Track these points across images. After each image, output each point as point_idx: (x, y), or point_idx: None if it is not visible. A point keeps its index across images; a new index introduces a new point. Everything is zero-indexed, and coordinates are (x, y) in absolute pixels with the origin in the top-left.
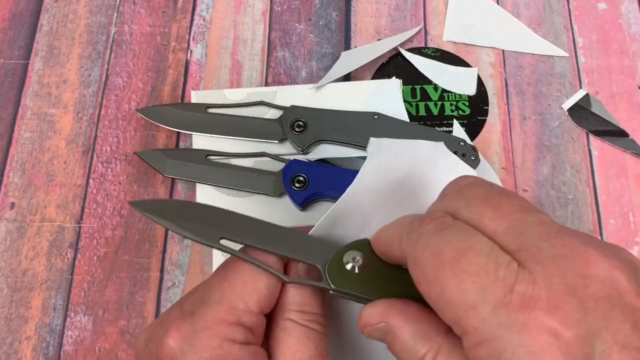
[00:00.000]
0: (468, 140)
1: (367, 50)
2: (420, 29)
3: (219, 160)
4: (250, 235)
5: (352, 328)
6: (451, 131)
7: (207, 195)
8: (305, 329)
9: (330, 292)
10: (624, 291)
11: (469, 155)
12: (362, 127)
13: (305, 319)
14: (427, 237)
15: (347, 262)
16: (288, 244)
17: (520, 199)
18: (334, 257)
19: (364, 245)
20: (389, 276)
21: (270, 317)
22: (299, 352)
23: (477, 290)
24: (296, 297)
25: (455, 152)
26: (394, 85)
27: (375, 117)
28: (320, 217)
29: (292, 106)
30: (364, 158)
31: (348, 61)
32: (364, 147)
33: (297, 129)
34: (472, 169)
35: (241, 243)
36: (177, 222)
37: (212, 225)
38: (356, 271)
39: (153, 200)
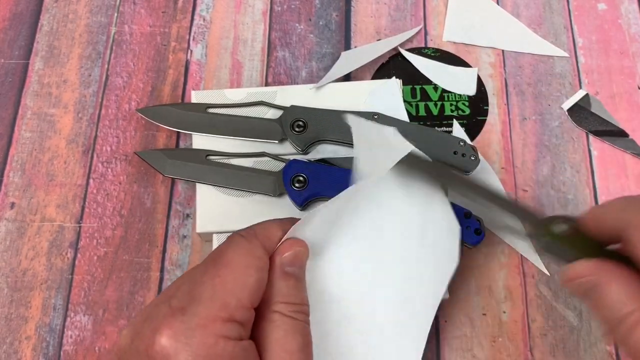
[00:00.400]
0: (468, 140)
1: (367, 50)
2: (420, 29)
3: (219, 160)
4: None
5: (330, 316)
6: (451, 131)
7: (207, 194)
8: (292, 320)
9: (542, 245)
10: None
11: (468, 155)
12: None
13: (291, 310)
14: None
15: (556, 228)
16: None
17: None
18: (544, 219)
19: (568, 220)
20: (591, 249)
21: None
22: (289, 344)
23: None
24: (282, 289)
25: (455, 152)
26: (394, 85)
27: (375, 117)
28: None
29: (292, 106)
30: None
31: (348, 61)
32: None
33: (297, 129)
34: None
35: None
36: None
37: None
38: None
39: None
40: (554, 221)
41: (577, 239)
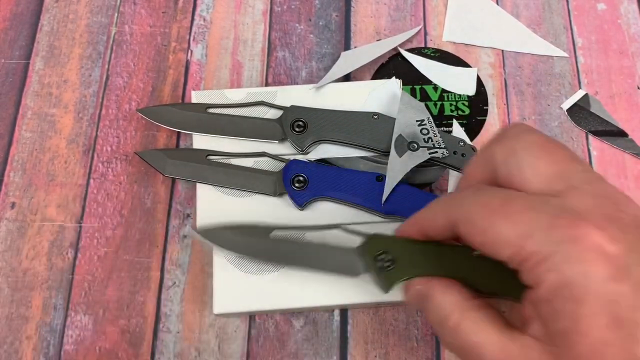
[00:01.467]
0: (467, 140)
1: (366, 50)
2: (420, 29)
3: (219, 160)
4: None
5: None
6: (451, 131)
7: (207, 194)
8: None
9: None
10: None
11: (468, 155)
12: (362, 127)
13: None
14: (471, 198)
15: (379, 263)
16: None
17: (569, 150)
18: (369, 265)
19: (379, 241)
20: (414, 255)
21: None
22: None
23: (528, 221)
24: None
25: (454, 152)
26: (394, 86)
27: (375, 117)
28: (320, 217)
29: (292, 106)
30: (364, 158)
31: (348, 61)
32: (364, 147)
33: (297, 129)
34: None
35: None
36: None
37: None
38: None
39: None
40: (370, 245)
41: (400, 254)
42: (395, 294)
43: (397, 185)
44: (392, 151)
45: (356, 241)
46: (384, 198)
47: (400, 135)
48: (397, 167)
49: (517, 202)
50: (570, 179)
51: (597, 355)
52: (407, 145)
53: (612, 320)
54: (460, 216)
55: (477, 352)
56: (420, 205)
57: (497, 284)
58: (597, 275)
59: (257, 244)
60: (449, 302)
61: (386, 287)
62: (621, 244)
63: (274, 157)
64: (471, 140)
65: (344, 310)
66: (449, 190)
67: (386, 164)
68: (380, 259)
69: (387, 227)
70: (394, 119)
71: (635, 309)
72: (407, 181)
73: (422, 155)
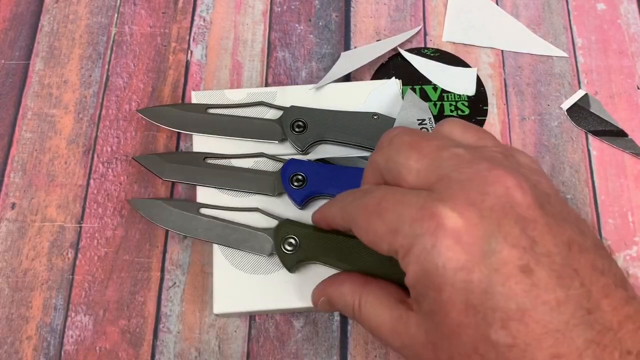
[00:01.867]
0: None
1: (366, 50)
2: (420, 29)
3: (217, 162)
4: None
5: None
6: None
7: (207, 195)
8: None
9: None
10: (517, 204)
11: None
12: (362, 127)
13: None
14: (356, 202)
15: (285, 247)
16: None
17: (439, 138)
18: (276, 247)
19: (287, 227)
20: (316, 241)
21: None
22: None
23: (396, 217)
24: None
25: None
26: (393, 86)
27: (375, 117)
28: None
29: (292, 106)
30: (364, 158)
31: (348, 62)
32: (364, 147)
33: (297, 129)
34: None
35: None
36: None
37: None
38: (294, 249)
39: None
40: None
41: (305, 240)
42: None
43: None
44: None
45: (273, 223)
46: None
47: None
48: None
49: (389, 200)
50: (439, 168)
51: (456, 336)
52: None
53: (467, 306)
54: (349, 218)
55: (379, 332)
56: None
57: (390, 270)
58: (451, 266)
59: (185, 219)
60: (346, 295)
61: (288, 267)
62: (478, 231)
63: (272, 157)
64: None
65: None
66: None
67: None
68: (287, 242)
69: None
70: (394, 119)
71: (487, 293)
72: None
73: None
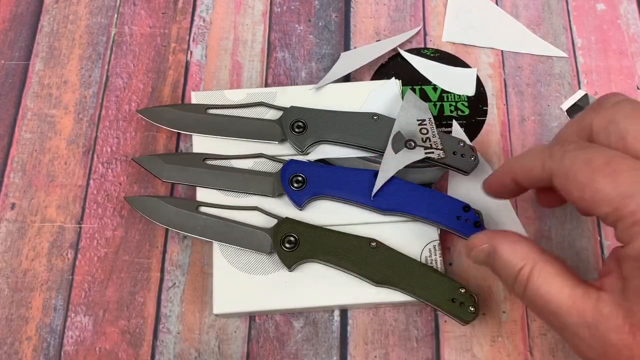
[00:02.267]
0: (467, 141)
1: (366, 51)
2: (420, 29)
3: (217, 163)
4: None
5: None
6: (450, 132)
7: (207, 196)
8: None
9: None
10: None
11: (468, 155)
12: (362, 127)
13: None
14: (573, 153)
15: (285, 245)
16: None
17: None
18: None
19: (287, 225)
20: (316, 240)
21: None
22: None
23: (631, 183)
24: None
25: (454, 153)
26: (393, 86)
27: (375, 117)
28: (320, 216)
29: (292, 107)
30: (364, 158)
31: (347, 62)
32: (364, 147)
33: (296, 130)
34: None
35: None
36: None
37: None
38: (294, 247)
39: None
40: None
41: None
42: (396, 295)
43: (396, 181)
44: (389, 146)
45: (271, 222)
46: (374, 191)
47: (399, 132)
48: (391, 163)
49: (622, 163)
50: None
51: None
52: (404, 142)
53: None
54: (559, 169)
55: (550, 306)
56: (420, 202)
57: (390, 273)
58: None
59: (183, 217)
60: (518, 256)
61: (288, 265)
62: None
63: (271, 158)
64: (471, 140)
65: (343, 311)
66: (448, 192)
67: None
68: (286, 240)
69: (387, 226)
70: (394, 119)
71: None
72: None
73: (417, 154)
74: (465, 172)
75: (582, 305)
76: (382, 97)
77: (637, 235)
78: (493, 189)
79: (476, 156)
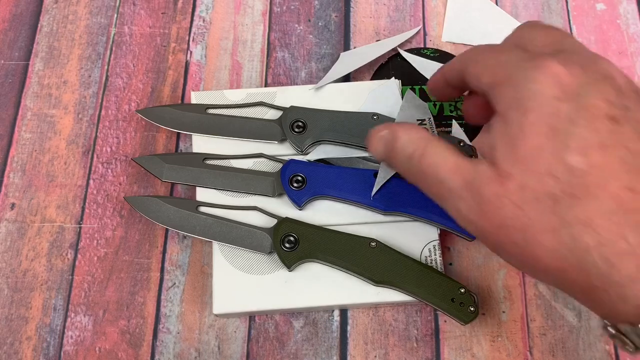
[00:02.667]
0: (467, 141)
1: (366, 51)
2: (419, 29)
3: (216, 163)
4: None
5: None
6: (450, 132)
7: (206, 196)
8: None
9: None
10: (618, 77)
11: (467, 155)
12: (362, 127)
13: None
14: (475, 47)
15: (285, 245)
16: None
17: (564, 34)
18: (275, 247)
19: (286, 225)
20: (315, 239)
21: None
22: None
23: (510, 55)
24: None
25: None
26: (393, 86)
27: (375, 117)
28: (320, 216)
29: (292, 107)
30: (364, 158)
31: (347, 62)
32: (363, 147)
33: (296, 130)
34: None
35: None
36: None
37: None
38: (293, 247)
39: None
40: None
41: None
42: (396, 295)
43: (396, 181)
44: None
45: (271, 222)
46: (374, 191)
47: None
48: None
49: (507, 44)
50: (560, 44)
51: (532, 159)
52: None
53: (550, 130)
54: (467, 56)
55: (438, 175)
56: (420, 202)
57: (390, 273)
58: (546, 93)
59: (183, 216)
60: (415, 137)
61: (288, 264)
62: (577, 79)
63: (271, 158)
64: (470, 140)
65: (343, 311)
66: None
67: None
68: (286, 240)
69: (387, 226)
70: (394, 119)
71: (572, 122)
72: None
73: None
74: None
75: (464, 168)
76: (382, 97)
77: (503, 92)
78: (433, 91)
79: (476, 156)
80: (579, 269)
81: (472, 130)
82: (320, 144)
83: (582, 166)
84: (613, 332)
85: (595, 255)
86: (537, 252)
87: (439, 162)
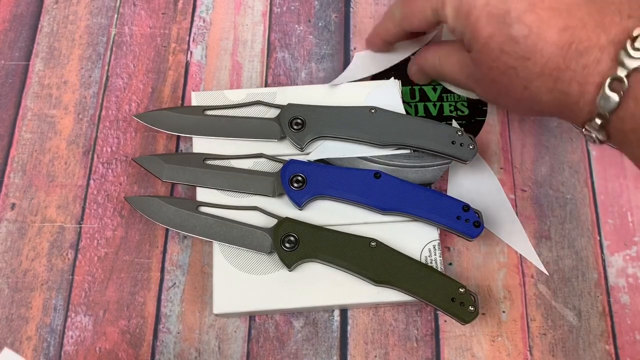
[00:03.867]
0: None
1: (383, 56)
2: (439, 30)
3: (217, 163)
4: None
5: None
6: (451, 124)
7: (207, 196)
8: None
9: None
10: None
11: (466, 144)
12: (360, 121)
13: None
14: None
15: (285, 245)
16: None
17: None
18: (275, 248)
19: (287, 225)
20: (316, 239)
21: None
22: None
23: None
24: None
25: (452, 142)
26: (393, 86)
27: (373, 111)
28: (320, 216)
29: (290, 104)
30: (364, 158)
31: (364, 64)
32: (362, 141)
33: (295, 127)
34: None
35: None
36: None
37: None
38: (294, 247)
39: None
40: (279, 241)
41: (302, 233)
42: (396, 295)
43: (396, 181)
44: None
45: (271, 222)
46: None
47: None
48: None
49: None
50: None
51: (487, 47)
52: None
53: (489, 17)
54: (401, 14)
55: (453, 73)
56: (420, 202)
57: (390, 273)
58: None
59: (183, 216)
60: (429, 56)
61: (288, 264)
62: None
63: (271, 158)
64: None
65: (343, 311)
66: (448, 191)
67: (385, 164)
68: (286, 240)
69: (387, 226)
70: (392, 112)
71: (503, 3)
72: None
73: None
74: (465, 161)
75: (464, 61)
76: (382, 96)
77: (446, 10)
78: (374, 41)
79: (475, 144)
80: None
81: (472, 130)
82: (319, 139)
83: (523, 31)
84: (584, 132)
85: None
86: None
87: (451, 65)
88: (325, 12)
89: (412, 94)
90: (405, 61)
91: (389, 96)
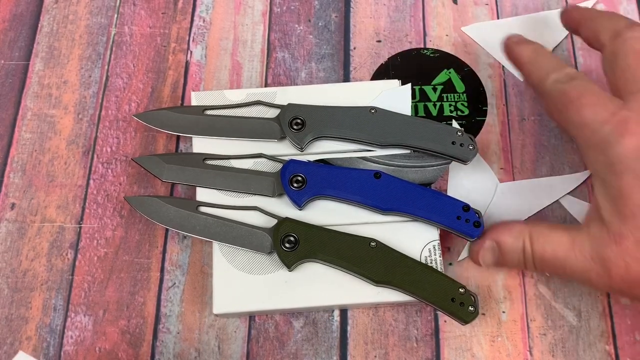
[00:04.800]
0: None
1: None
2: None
3: (216, 163)
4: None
5: None
6: (451, 124)
7: (206, 196)
8: None
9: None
10: None
11: (466, 144)
12: (361, 122)
13: None
14: (559, 84)
15: (285, 245)
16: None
17: None
18: (275, 248)
19: (286, 225)
20: (316, 239)
21: None
22: None
23: (592, 116)
24: None
25: (453, 142)
26: (406, 91)
27: (373, 111)
28: (320, 216)
29: (290, 104)
30: (364, 158)
31: (511, 196)
32: (362, 141)
33: (295, 127)
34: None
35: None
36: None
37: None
38: (293, 247)
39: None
40: (279, 242)
41: (303, 235)
42: (396, 295)
43: (396, 181)
44: None
45: (271, 222)
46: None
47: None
48: None
49: (589, 97)
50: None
51: (637, 216)
52: None
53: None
54: (540, 80)
55: (555, 256)
56: (420, 202)
57: (390, 273)
58: (630, 154)
59: (183, 216)
60: (515, 233)
61: (288, 264)
62: None
63: (271, 158)
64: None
65: (343, 311)
66: (448, 191)
67: (385, 164)
68: (286, 240)
69: (387, 226)
70: (392, 112)
71: None
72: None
73: None
74: (465, 161)
75: (578, 240)
76: (392, 100)
77: (593, 157)
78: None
79: (475, 145)
80: None
81: (472, 130)
82: (319, 139)
83: None
84: None
85: None
86: None
87: (553, 247)
88: (325, 12)
89: (412, 94)
90: (401, 58)
91: (399, 100)
